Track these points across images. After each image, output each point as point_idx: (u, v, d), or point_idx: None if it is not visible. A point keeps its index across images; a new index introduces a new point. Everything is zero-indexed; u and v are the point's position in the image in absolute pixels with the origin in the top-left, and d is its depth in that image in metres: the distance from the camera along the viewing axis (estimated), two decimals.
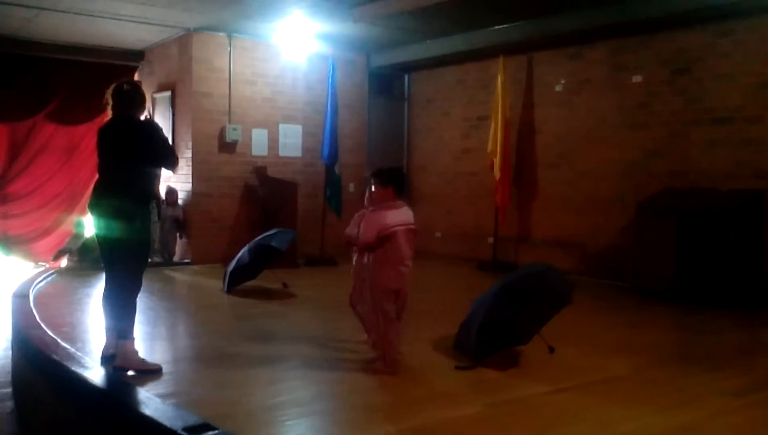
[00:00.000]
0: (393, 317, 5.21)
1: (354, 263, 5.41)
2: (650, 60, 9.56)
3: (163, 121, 11.22)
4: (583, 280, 9.22)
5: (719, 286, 7.94)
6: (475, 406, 4.49)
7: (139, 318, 5.36)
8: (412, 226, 5.15)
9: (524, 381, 5.03)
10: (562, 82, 10.70)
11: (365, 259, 5.20)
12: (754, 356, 6.21)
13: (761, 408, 4.53)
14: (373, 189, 5.25)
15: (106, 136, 5.14)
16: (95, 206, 5.04)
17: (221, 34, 10.99)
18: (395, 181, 5.20)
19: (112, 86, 5.19)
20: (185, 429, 3.77)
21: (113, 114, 5.13)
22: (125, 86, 5.19)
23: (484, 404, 4.52)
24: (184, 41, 11.11)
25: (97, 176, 5.15)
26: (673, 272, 8.27)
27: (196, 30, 10.81)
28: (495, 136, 10.65)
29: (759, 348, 6.55)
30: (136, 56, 12.44)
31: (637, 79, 9.74)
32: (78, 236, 10.52)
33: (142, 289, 5.15)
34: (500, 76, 10.68)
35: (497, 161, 10.59)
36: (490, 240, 11.32)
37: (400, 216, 5.10)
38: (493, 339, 5.33)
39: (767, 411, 4.49)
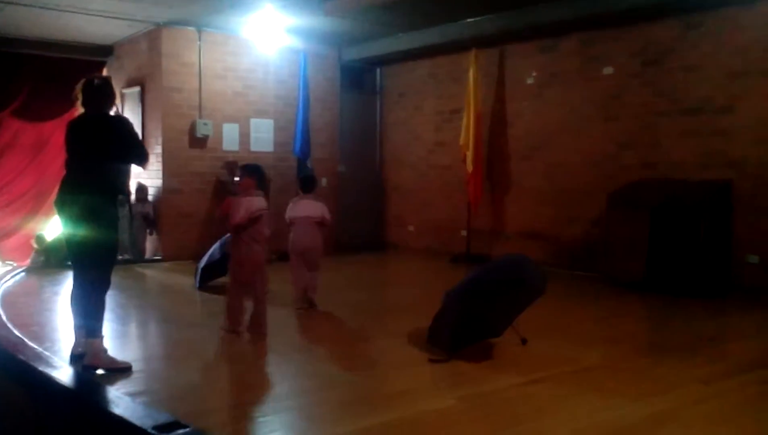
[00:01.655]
0: (262, 287, 6.17)
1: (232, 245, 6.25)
2: (621, 52, 9.60)
3: (132, 116, 11.07)
4: (556, 271, 9.26)
5: (690, 276, 8.01)
6: (449, 399, 4.48)
7: (109, 316, 5.30)
8: (266, 211, 6.18)
9: (498, 373, 5.03)
10: (534, 74, 10.72)
11: (241, 239, 6.06)
12: (724, 344, 6.27)
13: (732, 394, 4.56)
14: (239, 180, 6.38)
15: (75, 131, 5.04)
16: (62, 203, 4.94)
17: (191, 28, 10.86)
18: (257, 175, 6.27)
19: (82, 81, 5.08)
20: (155, 428, 3.72)
21: (83, 109, 5.03)
22: (95, 81, 5.08)
23: (458, 397, 4.51)
24: (153, 36, 10.97)
25: (64, 172, 5.06)
26: (645, 263, 8.33)
27: (166, 24, 10.67)
28: (467, 129, 10.66)
29: (729, 336, 6.61)
30: (104, 51, 12.25)
31: (608, 71, 9.78)
32: (41, 238, 10.33)
33: (111, 286, 5.07)
34: (472, 69, 10.68)
35: (470, 154, 10.60)
36: (464, 233, 11.34)
37: (261, 203, 6.11)
38: (466, 332, 5.32)
39: (738, 397, 4.52)
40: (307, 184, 7.63)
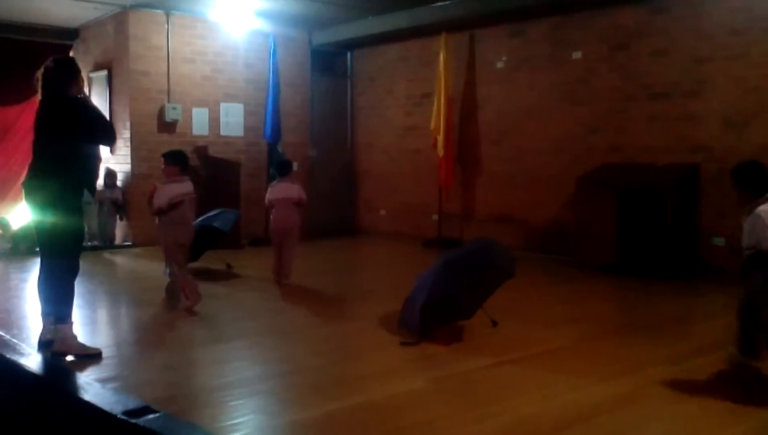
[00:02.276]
0: (184, 264, 6.58)
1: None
2: (590, 37, 9.66)
3: (99, 101, 10.93)
4: (527, 254, 9.34)
5: (658, 259, 8.14)
6: (420, 380, 4.52)
7: (78, 302, 5.26)
8: (194, 195, 6.65)
9: (468, 355, 5.07)
10: (504, 59, 10.75)
11: (163, 222, 6.50)
12: (691, 324, 6.38)
13: (698, 373, 4.65)
14: (164, 167, 6.69)
15: (36, 116, 4.97)
16: (28, 189, 4.88)
17: (158, 11, 10.72)
18: (180, 161, 6.68)
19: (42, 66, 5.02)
20: (125, 413, 3.71)
21: (42, 93, 4.95)
22: (50, 63, 4.98)
23: (429, 379, 4.56)
24: (120, 19, 10.81)
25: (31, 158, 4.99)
26: (614, 245, 8.44)
27: (133, 7, 10.52)
28: (438, 113, 10.68)
29: (695, 317, 6.73)
30: (69, 35, 12.05)
31: (576, 55, 9.84)
32: (5, 225, 10.20)
33: (82, 272, 5.03)
34: (442, 54, 10.69)
35: (440, 138, 10.63)
36: (435, 217, 11.39)
37: (184, 188, 6.53)
38: (437, 314, 5.36)
39: (704, 375, 4.60)
40: (283, 168, 8.15)
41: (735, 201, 4.86)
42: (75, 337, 4.94)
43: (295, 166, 11.81)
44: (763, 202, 4.54)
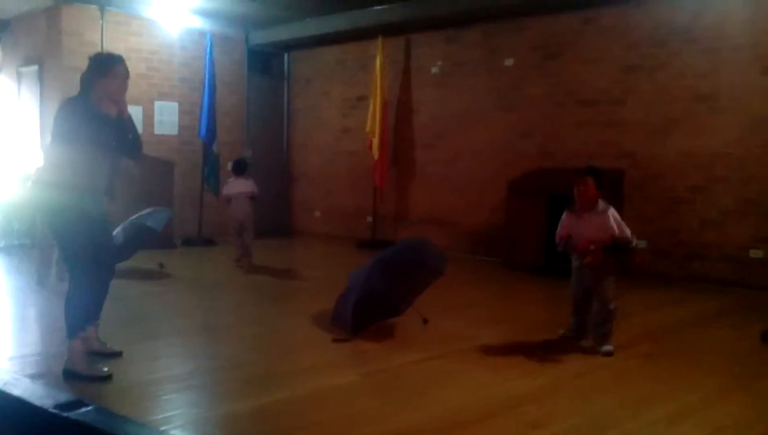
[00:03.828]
0: None
1: None
2: (522, 44, 9.94)
3: (30, 96, 10.72)
4: (458, 256, 9.54)
5: None
6: (351, 375, 4.62)
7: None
8: None
9: (399, 351, 5.20)
10: (439, 63, 10.95)
11: None
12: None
13: (615, 367, 4.88)
14: None
15: None
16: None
17: (93, 6, 10.56)
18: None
19: None
20: (57, 406, 3.71)
21: None
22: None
23: (359, 373, 4.67)
24: (52, 13, 10.62)
25: None
26: (542, 248, 8.67)
27: (66, 2, 10.35)
28: (374, 116, 10.81)
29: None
30: None
31: (509, 62, 10.10)
32: None
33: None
34: (379, 57, 10.83)
35: (376, 141, 10.77)
36: (369, 219, 11.52)
37: None
38: (368, 311, 5.47)
39: (620, 369, 4.83)
40: (240, 166, 9.11)
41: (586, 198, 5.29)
42: (82, 355, 4.48)
43: (228, 165, 11.94)
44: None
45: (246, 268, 8.86)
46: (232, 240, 9.23)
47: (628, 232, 5.19)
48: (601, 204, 5.21)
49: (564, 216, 5.39)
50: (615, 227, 5.14)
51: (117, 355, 4.83)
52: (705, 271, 8.33)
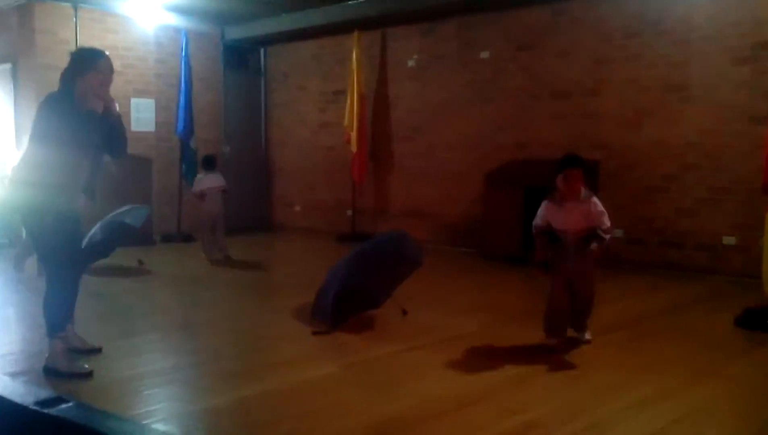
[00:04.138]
0: None
1: None
2: (497, 37, 10.01)
3: (4, 95, 10.65)
4: (437, 247, 9.64)
5: None
6: (330, 366, 4.68)
7: None
8: None
9: (378, 342, 5.27)
10: (415, 57, 11.00)
11: None
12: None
13: (590, 354, 4.97)
14: None
15: None
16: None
17: (66, 4, 10.50)
18: None
19: None
20: (38, 403, 3.73)
21: None
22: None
23: (339, 365, 4.73)
24: (25, 11, 10.54)
25: None
26: (519, 239, 8.76)
27: None
28: (351, 110, 10.85)
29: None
30: None
31: (485, 55, 10.17)
32: None
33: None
34: (355, 51, 10.86)
35: (354, 135, 10.81)
36: (349, 212, 11.56)
37: None
38: (348, 304, 5.53)
39: (595, 356, 4.93)
40: (210, 162, 9.27)
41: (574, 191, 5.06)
42: (63, 353, 4.48)
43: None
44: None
45: (225, 262, 8.96)
46: (203, 236, 9.36)
47: (608, 222, 5.09)
48: (583, 192, 5.09)
49: (543, 205, 5.25)
50: (598, 215, 5.06)
51: (96, 351, 4.85)
52: (680, 259, 8.46)
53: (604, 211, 5.09)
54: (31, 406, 3.73)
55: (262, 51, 13.34)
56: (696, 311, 6.60)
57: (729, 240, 8.10)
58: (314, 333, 5.41)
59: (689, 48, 8.31)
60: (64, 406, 3.71)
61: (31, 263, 7.12)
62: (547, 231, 5.23)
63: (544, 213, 5.21)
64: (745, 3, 7.94)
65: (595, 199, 5.10)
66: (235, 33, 12.44)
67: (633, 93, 8.76)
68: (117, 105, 4.57)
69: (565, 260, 5.15)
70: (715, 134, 8.17)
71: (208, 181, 9.10)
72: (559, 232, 5.17)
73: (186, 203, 11.12)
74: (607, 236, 5.10)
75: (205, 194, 9.06)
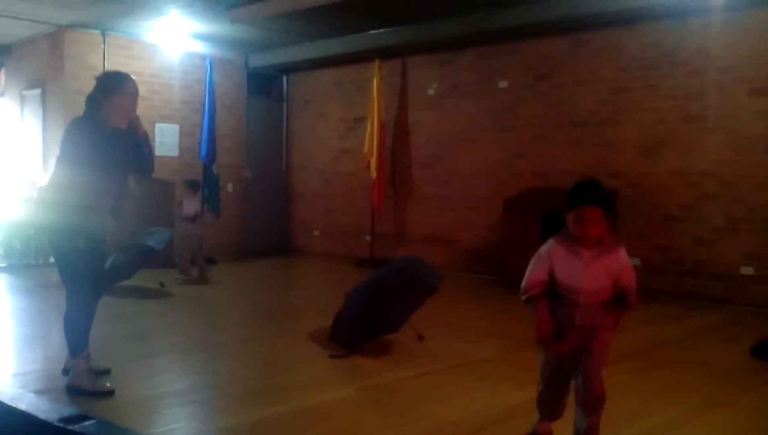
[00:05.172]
0: None
1: None
2: (515, 67, 10.13)
3: (33, 119, 10.90)
4: (455, 274, 9.68)
5: None
6: (347, 389, 4.74)
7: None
8: None
9: (395, 366, 5.32)
10: (434, 86, 11.15)
11: None
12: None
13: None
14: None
15: None
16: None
17: (95, 31, 10.79)
18: None
19: None
20: (62, 420, 3.83)
21: None
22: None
23: (356, 388, 4.78)
24: (55, 38, 10.83)
25: None
26: None
27: (69, 27, 10.56)
28: (371, 137, 10.99)
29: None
30: (1, 51, 11.97)
31: (503, 84, 10.29)
32: None
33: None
34: (376, 79, 11.02)
35: (373, 161, 10.93)
36: (368, 238, 11.66)
37: None
38: (365, 328, 5.60)
39: (608, 384, 4.94)
40: (195, 185, 9.84)
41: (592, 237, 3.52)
42: (87, 372, 4.52)
43: (229, 187, 12.17)
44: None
45: (204, 280, 9.45)
46: (188, 257, 9.60)
47: (634, 281, 3.58)
48: (607, 237, 3.51)
49: (548, 249, 3.60)
50: (626, 272, 3.55)
51: (106, 372, 4.87)
52: (697, 288, 8.46)
53: (631, 265, 3.60)
54: (55, 423, 3.83)
55: (284, 78, 13.55)
56: (712, 341, 6.60)
57: (747, 270, 8.10)
58: (332, 356, 5.48)
59: (706, 78, 8.37)
60: (87, 423, 3.81)
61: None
62: (546, 290, 3.63)
63: (548, 261, 3.58)
64: (762, 33, 8.01)
65: (623, 250, 3.56)
66: (259, 60, 12.67)
67: (651, 122, 8.82)
68: (143, 124, 4.65)
69: (570, 328, 3.69)
70: (733, 164, 8.20)
71: (195, 204, 9.73)
72: (564, 292, 3.59)
73: (206, 226, 11.25)
74: (632, 302, 3.61)
75: (197, 217, 9.63)
